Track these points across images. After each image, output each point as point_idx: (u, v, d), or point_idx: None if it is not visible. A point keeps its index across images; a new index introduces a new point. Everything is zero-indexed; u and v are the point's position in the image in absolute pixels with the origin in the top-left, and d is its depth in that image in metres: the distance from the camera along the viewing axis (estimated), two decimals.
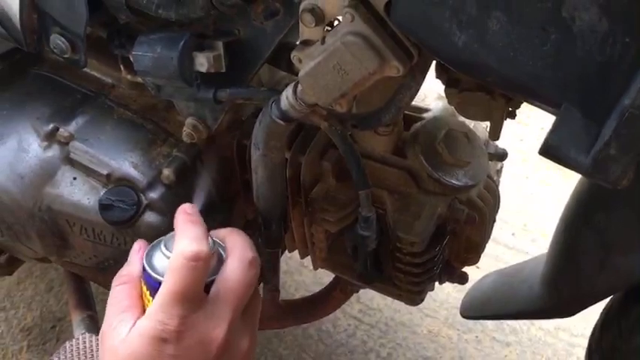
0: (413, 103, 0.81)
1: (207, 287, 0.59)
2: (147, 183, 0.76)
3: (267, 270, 0.87)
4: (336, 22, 0.57)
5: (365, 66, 0.55)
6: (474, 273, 0.98)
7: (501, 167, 0.86)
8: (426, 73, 0.61)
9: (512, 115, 0.71)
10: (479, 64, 0.45)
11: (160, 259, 0.60)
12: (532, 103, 0.46)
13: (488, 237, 0.84)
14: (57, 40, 0.71)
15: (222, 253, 0.62)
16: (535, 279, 0.85)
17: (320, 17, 0.56)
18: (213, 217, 0.83)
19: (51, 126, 0.78)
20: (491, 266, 1.06)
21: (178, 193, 0.78)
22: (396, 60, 0.54)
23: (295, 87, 0.61)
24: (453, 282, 0.84)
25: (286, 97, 0.62)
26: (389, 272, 0.79)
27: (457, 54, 0.45)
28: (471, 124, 0.80)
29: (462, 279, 0.83)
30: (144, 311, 0.58)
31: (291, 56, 0.59)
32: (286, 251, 0.94)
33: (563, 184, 1.55)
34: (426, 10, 0.47)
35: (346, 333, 1.36)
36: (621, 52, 0.38)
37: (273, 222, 0.75)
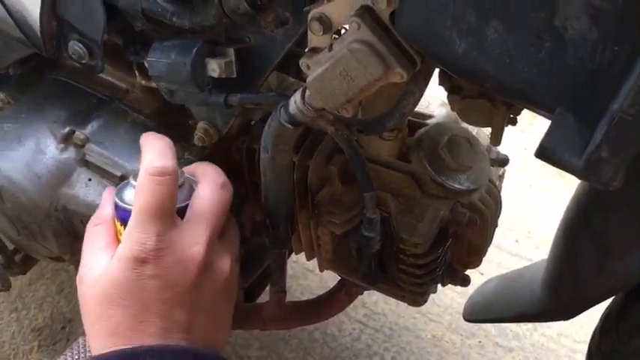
0: (417, 109, 0.84)
1: (182, 213, 0.59)
2: None
3: (273, 271, 0.89)
4: (342, 31, 0.60)
5: (370, 72, 0.57)
6: (478, 279, 1.00)
7: (503, 173, 0.88)
8: (429, 80, 0.63)
9: (514, 122, 0.73)
10: (478, 70, 0.47)
11: (130, 192, 0.60)
12: (529, 108, 0.48)
13: (490, 241, 0.86)
14: (75, 47, 0.74)
15: (194, 185, 0.63)
16: (536, 283, 0.86)
17: (328, 26, 0.59)
18: None
19: (67, 129, 0.81)
20: (494, 272, 1.08)
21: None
22: (400, 67, 0.56)
23: (303, 92, 0.64)
24: (455, 284, 0.85)
25: (294, 101, 0.65)
26: (392, 273, 0.81)
27: (457, 61, 0.48)
28: (473, 130, 0.83)
29: (464, 281, 0.85)
30: None
31: (300, 63, 0.62)
32: (292, 255, 0.96)
33: (566, 192, 1.56)
34: (428, 19, 0.49)
35: (351, 337, 1.38)
36: (611, 59, 0.40)
37: (280, 223, 0.78)
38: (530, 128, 1.75)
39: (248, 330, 1.30)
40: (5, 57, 0.87)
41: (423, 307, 1.47)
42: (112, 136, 0.82)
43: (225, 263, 0.61)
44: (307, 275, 1.49)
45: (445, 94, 0.72)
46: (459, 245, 0.81)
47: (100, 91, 0.86)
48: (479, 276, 1.24)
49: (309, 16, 0.59)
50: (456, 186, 0.75)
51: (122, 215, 0.60)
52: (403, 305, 1.43)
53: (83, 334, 0.90)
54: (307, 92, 0.63)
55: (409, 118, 0.81)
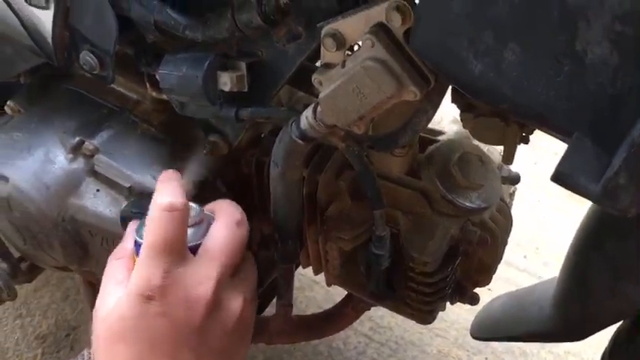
0: (429, 126, 0.83)
1: (196, 251, 0.58)
2: None
3: (280, 285, 0.89)
4: (356, 47, 0.59)
5: (383, 90, 0.57)
6: (486, 295, 0.99)
7: (514, 191, 0.87)
8: (442, 98, 0.62)
9: (526, 140, 0.72)
10: (494, 92, 0.47)
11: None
12: (545, 131, 0.47)
13: (500, 259, 0.85)
14: (86, 57, 0.74)
15: (212, 222, 0.62)
16: (545, 302, 0.85)
17: (341, 42, 0.58)
18: None
19: (77, 139, 0.81)
20: (502, 288, 1.07)
21: None
22: (414, 85, 0.56)
23: (315, 108, 0.63)
24: (464, 302, 0.84)
25: (306, 117, 0.64)
26: (401, 291, 0.80)
27: (473, 81, 0.47)
28: (485, 147, 0.82)
29: (473, 300, 0.84)
30: None
31: (312, 78, 0.61)
32: (299, 267, 0.95)
33: (575, 209, 1.55)
34: (444, 38, 0.48)
35: (356, 350, 1.37)
36: (631, 85, 0.39)
37: (289, 238, 0.77)
38: (540, 144, 1.73)
39: (253, 343, 1.29)
40: (16, 65, 0.87)
41: None
42: (121, 147, 0.81)
43: (236, 303, 0.58)
44: (313, 287, 1.48)
45: (457, 110, 0.71)
46: (468, 263, 0.80)
47: (111, 102, 0.86)
48: (487, 292, 1.23)
49: (323, 32, 0.59)
50: (467, 204, 0.74)
51: (138, 250, 0.59)
52: (409, 320, 1.42)
53: (87, 342, 0.90)
54: (319, 108, 0.63)
55: (420, 134, 0.81)
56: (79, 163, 0.81)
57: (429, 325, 1.41)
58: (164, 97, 0.76)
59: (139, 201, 0.79)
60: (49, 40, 0.75)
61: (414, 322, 1.44)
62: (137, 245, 0.60)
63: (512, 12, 0.42)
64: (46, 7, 0.73)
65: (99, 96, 0.87)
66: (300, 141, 0.66)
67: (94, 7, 0.70)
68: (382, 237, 0.71)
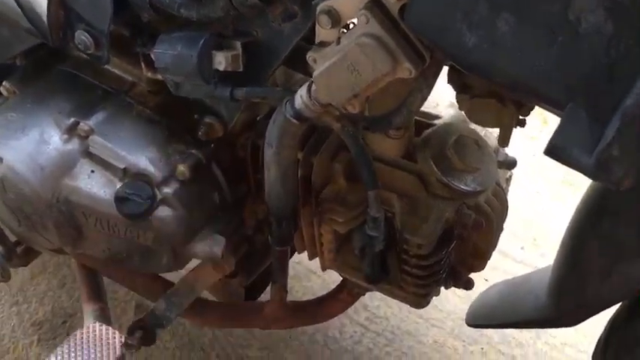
0: (425, 109, 0.83)
1: None
2: (162, 178, 0.78)
3: (275, 269, 0.89)
4: (351, 25, 0.59)
5: (378, 67, 0.57)
6: (482, 285, 0.99)
7: (510, 176, 0.87)
8: (437, 78, 0.62)
9: (522, 124, 0.72)
10: (488, 64, 0.46)
11: None
12: (539, 105, 0.47)
13: (495, 244, 0.84)
14: (81, 36, 0.74)
15: None
16: (541, 289, 0.85)
17: (336, 19, 0.58)
18: (226, 215, 0.85)
19: (72, 120, 0.81)
20: (499, 279, 1.06)
21: (192, 189, 0.80)
22: (409, 62, 0.56)
23: (310, 86, 0.63)
24: (458, 287, 0.84)
25: (300, 96, 0.64)
26: (395, 274, 0.80)
27: (467, 55, 0.47)
28: (482, 132, 0.82)
29: (468, 285, 0.84)
30: None
31: (307, 56, 0.61)
32: (295, 256, 0.95)
33: (574, 199, 1.54)
34: (438, 12, 0.48)
35: (352, 340, 1.37)
36: (625, 54, 0.39)
37: (283, 220, 0.77)
38: (539, 134, 1.74)
39: (248, 329, 1.29)
40: (12, 47, 0.87)
41: (425, 312, 1.46)
42: (116, 128, 0.81)
43: None
44: (310, 277, 1.47)
45: (454, 94, 0.71)
46: (463, 248, 0.80)
47: (106, 84, 0.86)
48: (483, 282, 1.23)
49: (318, 9, 0.58)
50: (462, 187, 0.74)
51: None
52: (406, 310, 1.42)
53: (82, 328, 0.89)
54: (313, 87, 0.62)
55: (416, 118, 0.80)
56: (74, 144, 0.80)
57: (425, 316, 1.41)
58: (159, 77, 0.76)
59: (133, 182, 0.79)
60: (45, 19, 0.75)
61: (410, 312, 1.45)
62: None
63: None
64: None
65: (95, 78, 0.87)
66: (294, 120, 0.65)
67: None
68: (376, 218, 0.71)
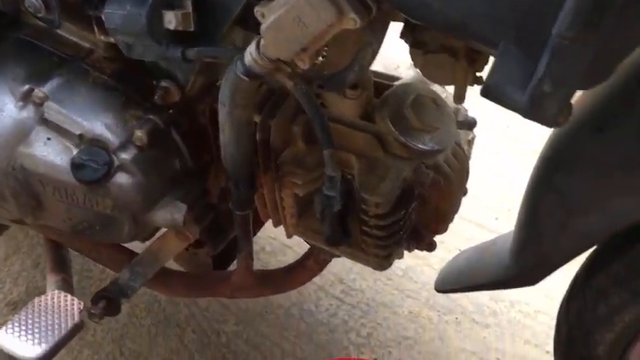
0: (385, 71, 0.82)
1: None
2: (119, 144, 0.77)
3: (239, 236, 0.88)
4: None
5: (323, 18, 0.56)
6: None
7: (473, 138, 0.87)
8: (386, 31, 0.62)
9: (479, 81, 0.72)
10: (427, 7, 0.46)
11: None
12: (474, 46, 0.47)
13: (458, 206, 0.84)
14: None
15: None
16: (505, 252, 0.85)
17: None
18: (187, 182, 0.84)
19: (26, 87, 0.80)
20: None
21: (151, 155, 0.79)
22: (354, 12, 0.55)
23: (258, 42, 0.62)
24: (421, 249, 0.84)
25: (250, 52, 0.63)
26: (356, 236, 0.79)
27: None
28: (443, 94, 0.81)
29: (430, 246, 0.84)
30: None
31: (255, 11, 0.60)
32: (270, 231, 0.94)
33: None
34: None
35: (328, 312, 1.37)
36: None
37: (240, 183, 0.76)
38: None
39: (215, 297, 1.28)
40: None
41: (400, 284, 1.46)
42: (72, 95, 0.80)
43: None
44: (285, 251, 1.47)
45: None
46: (424, 209, 0.80)
47: (63, 51, 0.84)
48: (457, 252, 1.23)
49: None
50: (420, 146, 0.74)
51: None
52: (381, 282, 1.42)
53: None
54: (262, 42, 0.62)
55: (376, 79, 0.80)
56: (29, 111, 0.79)
57: (401, 287, 1.41)
58: (113, 41, 0.75)
59: (89, 148, 0.78)
60: None
61: (385, 284, 1.45)
62: None
63: None
64: None
65: (52, 46, 0.85)
66: (244, 77, 0.65)
67: None
68: (333, 177, 0.71)
